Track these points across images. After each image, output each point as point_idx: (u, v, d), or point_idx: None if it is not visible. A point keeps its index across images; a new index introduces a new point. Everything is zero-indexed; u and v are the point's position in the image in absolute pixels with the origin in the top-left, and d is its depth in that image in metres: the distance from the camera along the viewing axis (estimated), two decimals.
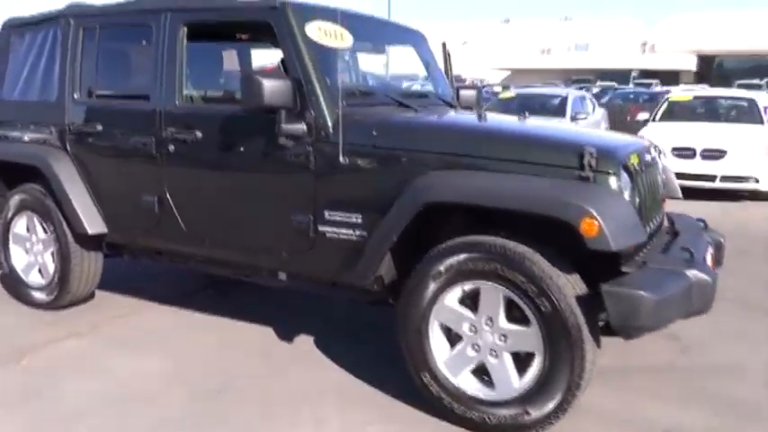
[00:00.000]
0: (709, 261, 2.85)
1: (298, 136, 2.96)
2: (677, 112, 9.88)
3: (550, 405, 2.47)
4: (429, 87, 3.99)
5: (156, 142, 3.40)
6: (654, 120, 9.90)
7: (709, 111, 9.79)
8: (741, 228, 6.34)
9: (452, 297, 2.65)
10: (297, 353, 3.48)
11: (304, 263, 3.12)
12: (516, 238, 2.52)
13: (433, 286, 2.64)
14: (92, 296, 4.14)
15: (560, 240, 2.48)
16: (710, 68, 43.24)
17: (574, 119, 9.82)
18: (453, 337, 2.72)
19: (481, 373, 2.67)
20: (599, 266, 2.50)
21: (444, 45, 4.29)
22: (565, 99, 10.55)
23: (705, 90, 13.33)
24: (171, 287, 4.53)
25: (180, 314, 4.04)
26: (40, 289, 4.03)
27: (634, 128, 10.00)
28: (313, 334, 3.70)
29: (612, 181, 2.54)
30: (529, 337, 2.50)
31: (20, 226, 4.10)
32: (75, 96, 3.75)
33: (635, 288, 2.30)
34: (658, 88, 25.46)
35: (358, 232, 2.92)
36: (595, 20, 51.19)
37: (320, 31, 3.08)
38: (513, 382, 2.56)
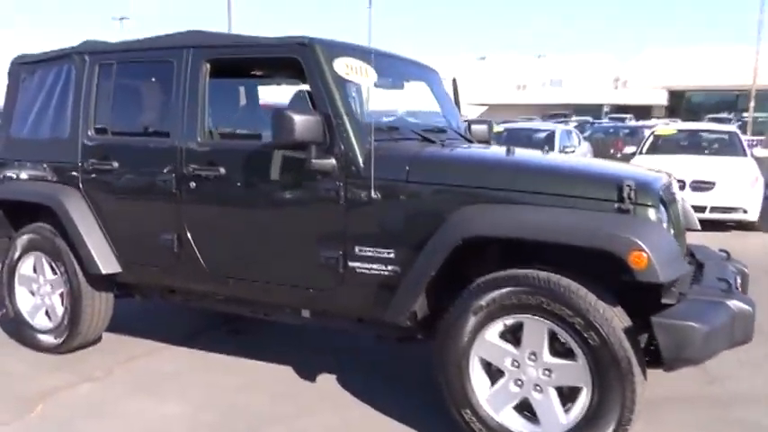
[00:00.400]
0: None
1: (327, 171, 2.95)
2: (662, 146, 10.08)
3: None
4: (442, 122, 4.01)
5: (176, 179, 3.35)
6: (641, 153, 10.08)
7: (693, 144, 10.00)
8: (743, 257, 6.40)
9: (494, 331, 2.62)
10: (322, 392, 3.39)
11: (333, 299, 3.06)
12: (553, 272, 2.51)
13: (473, 321, 2.61)
14: (99, 339, 4.02)
15: (596, 273, 2.48)
16: (680, 103, 44.33)
17: (562, 152, 9.97)
18: (494, 373, 2.68)
19: (523, 408, 2.63)
20: (635, 298, 2.49)
21: (454, 81, 4.33)
22: (553, 133, 10.72)
23: (685, 124, 13.64)
24: (180, 327, 4.42)
25: (194, 355, 3.94)
26: (47, 332, 3.90)
27: (621, 161, 10.16)
28: (336, 371, 3.62)
29: (652, 213, 2.55)
30: (575, 371, 2.47)
31: (26, 267, 3.99)
32: (89, 134, 3.69)
33: (686, 320, 2.29)
34: (633, 122, 26.05)
35: (390, 267, 2.88)
36: (569, 56, 52.37)
37: (347, 68, 3.09)
38: (560, 417, 2.51)
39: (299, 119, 2.83)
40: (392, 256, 2.87)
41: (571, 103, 41.74)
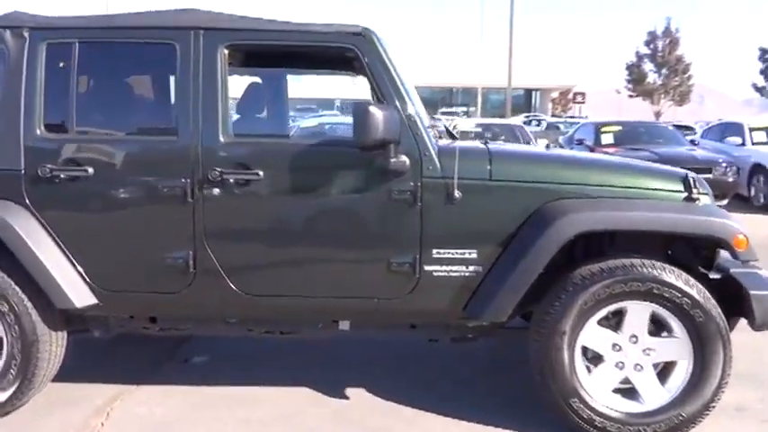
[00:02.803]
0: None
1: (402, 171, 2.77)
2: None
3: (699, 403, 2.72)
4: None
5: (191, 186, 2.81)
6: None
7: (493, 136, 11.10)
8: None
9: (596, 320, 2.75)
10: (335, 406, 3.17)
11: (402, 306, 2.89)
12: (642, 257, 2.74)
13: (581, 311, 2.71)
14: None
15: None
16: None
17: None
18: (590, 359, 2.81)
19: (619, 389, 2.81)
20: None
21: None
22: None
23: (482, 120, 15.13)
24: (128, 362, 3.69)
25: (173, 391, 3.33)
26: None
27: None
28: (370, 384, 3.39)
29: (708, 200, 2.92)
30: (678, 347, 2.73)
31: None
32: (37, 132, 2.87)
33: None
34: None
35: (472, 268, 2.83)
36: None
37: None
38: (662, 390, 2.75)
39: (384, 115, 2.62)
40: (474, 256, 2.82)
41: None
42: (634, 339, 2.76)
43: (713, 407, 2.73)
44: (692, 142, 11.34)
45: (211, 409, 3.12)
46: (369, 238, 2.85)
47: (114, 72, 3.06)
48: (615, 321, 2.78)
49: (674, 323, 2.71)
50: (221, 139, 2.82)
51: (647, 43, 39.96)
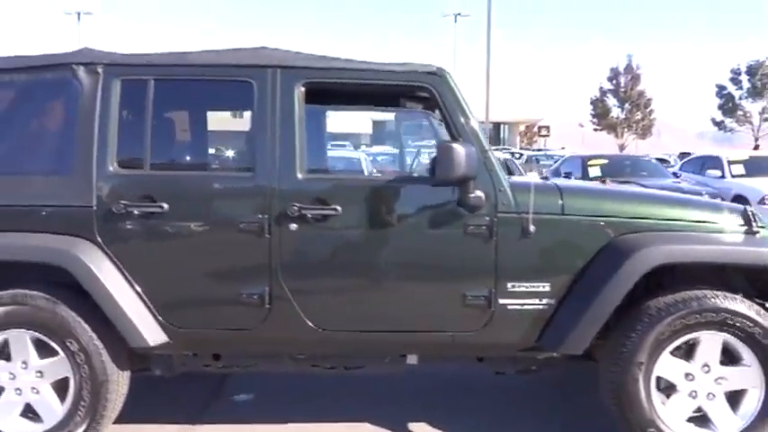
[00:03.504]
0: None
1: (478, 206, 2.83)
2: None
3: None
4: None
5: (269, 221, 2.82)
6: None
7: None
8: None
9: (669, 350, 2.82)
10: None
11: (476, 339, 2.92)
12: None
13: (655, 342, 2.78)
14: None
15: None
16: None
17: None
18: (663, 389, 2.88)
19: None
20: None
21: None
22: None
23: None
24: (189, 398, 3.62)
25: (245, 430, 3.28)
26: None
27: None
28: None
29: (766, 233, 3.05)
30: (749, 375, 2.81)
31: None
32: (110, 169, 2.85)
33: None
34: None
35: (545, 300, 2.89)
36: None
37: None
38: (735, 418, 2.83)
39: (466, 152, 2.69)
40: (547, 289, 2.88)
41: None
42: (706, 369, 2.84)
43: None
44: (675, 174, 11.72)
45: None
46: (445, 273, 2.89)
47: (189, 109, 3.08)
48: (686, 351, 2.86)
49: (745, 352, 2.80)
50: (298, 175, 2.84)
51: (610, 79, 41.38)
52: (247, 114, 2.89)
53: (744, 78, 34.59)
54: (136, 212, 2.83)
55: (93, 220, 2.84)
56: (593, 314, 2.79)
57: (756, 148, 29.47)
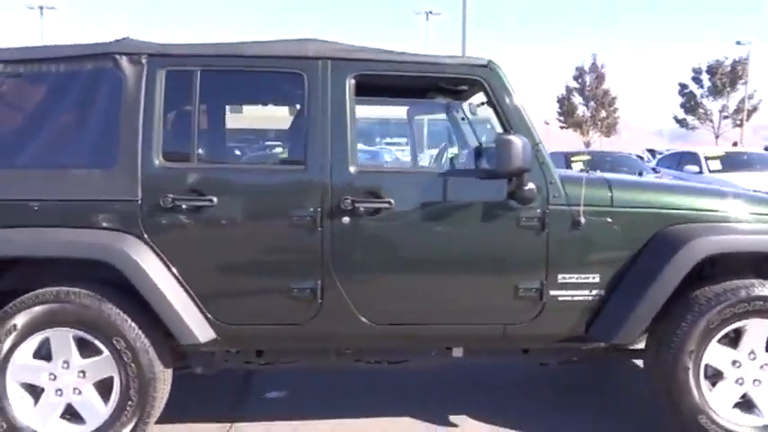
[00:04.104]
0: None
1: (531, 199, 2.84)
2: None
3: None
4: None
5: (321, 215, 2.78)
6: None
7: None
8: None
9: (717, 338, 2.88)
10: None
11: (526, 331, 2.93)
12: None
13: (705, 331, 2.83)
14: None
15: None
16: None
17: None
18: (710, 377, 2.93)
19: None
20: None
21: None
22: None
23: None
24: (219, 396, 3.55)
25: (284, 427, 3.23)
26: None
27: None
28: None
29: None
30: None
31: (25, 354, 2.77)
32: (156, 162, 2.77)
33: None
34: None
35: (595, 291, 2.92)
36: None
37: None
38: None
39: (522, 145, 2.70)
40: (597, 280, 2.91)
41: None
42: (753, 356, 2.90)
43: None
44: (654, 170, 11.98)
45: None
46: (498, 265, 2.89)
47: (236, 101, 3.01)
48: (732, 339, 2.92)
49: None
50: (351, 168, 2.81)
51: (576, 78, 42.07)
52: (297, 107, 2.83)
53: (705, 77, 35.59)
54: (184, 206, 2.76)
55: (138, 214, 2.76)
56: (645, 305, 2.83)
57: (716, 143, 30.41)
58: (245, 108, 3.07)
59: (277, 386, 3.77)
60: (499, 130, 2.97)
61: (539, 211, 2.86)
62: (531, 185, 2.82)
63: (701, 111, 35.88)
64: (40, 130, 2.82)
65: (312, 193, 2.78)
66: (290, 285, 2.81)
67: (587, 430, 3.22)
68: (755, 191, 3.48)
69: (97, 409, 2.80)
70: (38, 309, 2.73)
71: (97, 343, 2.76)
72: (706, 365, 2.89)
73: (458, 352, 3.11)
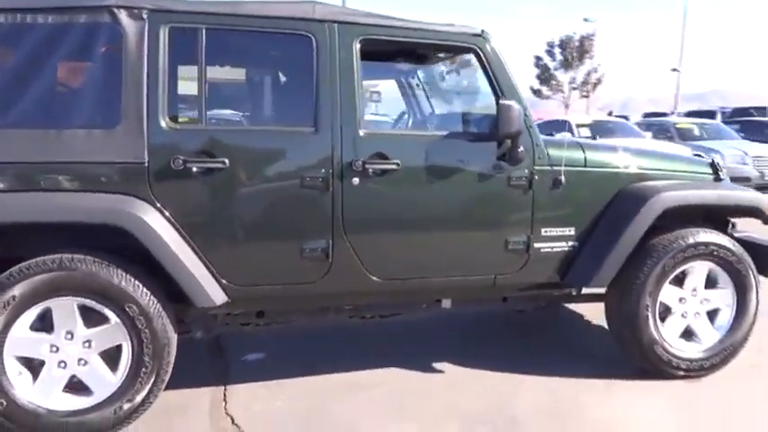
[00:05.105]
0: None
1: (521, 160, 3.11)
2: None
3: (740, 337, 3.43)
4: None
5: (332, 176, 2.86)
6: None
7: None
8: None
9: (670, 279, 3.34)
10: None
11: (513, 281, 3.23)
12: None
13: (661, 273, 3.27)
14: None
15: None
16: None
17: None
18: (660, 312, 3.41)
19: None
20: None
21: None
22: None
23: None
24: (199, 361, 3.51)
25: (279, 385, 3.29)
26: (92, 410, 2.69)
27: None
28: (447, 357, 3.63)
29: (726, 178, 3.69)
30: (725, 296, 3.43)
31: (22, 326, 2.62)
32: (162, 124, 2.69)
33: None
34: None
35: (570, 243, 3.27)
36: None
37: None
38: (714, 332, 3.44)
39: (521, 110, 2.94)
40: (572, 232, 3.27)
41: None
42: (694, 293, 3.41)
43: (748, 339, 3.48)
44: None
45: (324, 399, 3.16)
46: (492, 221, 3.14)
47: (243, 61, 2.95)
48: (679, 279, 3.40)
49: (723, 277, 3.41)
50: (360, 131, 2.90)
51: None
52: (305, 70, 2.85)
53: (557, 51, 38.20)
54: (194, 169, 2.71)
55: (145, 177, 2.67)
56: (616, 253, 3.22)
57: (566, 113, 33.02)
58: (252, 69, 3.03)
59: (252, 349, 3.80)
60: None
61: (526, 171, 3.13)
62: (521, 147, 3.08)
63: (554, 82, 38.56)
64: (31, 87, 2.61)
65: (323, 156, 2.84)
66: (301, 246, 2.88)
67: (560, 368, 3.59)
68: (696, 154, 4.01)
69: (106, 379, 2.71)
70: (39, 278, 2.57)
71: (106, 311, 2.67)
72: (660, 303, 3.36)
73: (446, 303, 3.34)
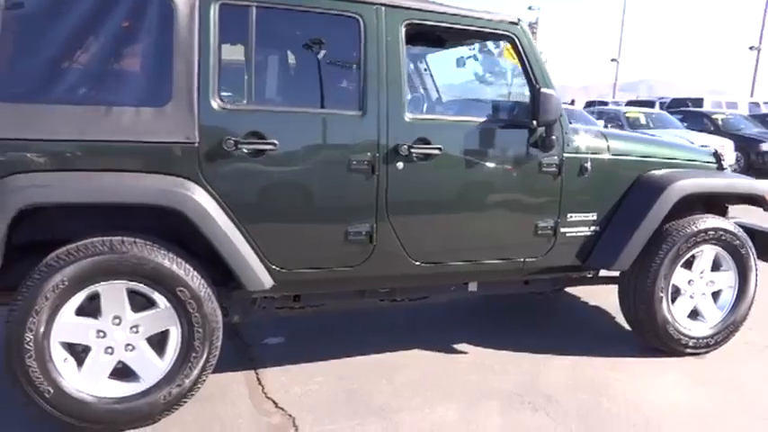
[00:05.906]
0: None
1: (552, 146, 3.21)
2: None
3: (741, 315, 3.67)
4: None
5: (379, 161, 2.88)
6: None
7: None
8: None
9: (681, 262, 3.53)
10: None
11: (541, 264, 3.34)
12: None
13: (674, 258, 3.46)
14: None
15: None
16: None
17: None
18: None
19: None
20: None
21: None
22: None
23: None
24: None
25: (311, 368, 3.30)
26: (136, 397, 2.63)
27: None
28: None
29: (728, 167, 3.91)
30: (728, 278, 3.66)
31: (69, 312, 2.53)
32: (213, 104, 2.63)
33: None
34: None
35: (592, 228, 3.41)
36: None
37: None
38: (717, 310, 3.66)
39: (559, 98, 3.04)
40: (594, 217, 3.40)
41: None
42: (702, 275, 3.62)
43: (747, 318, 3.72)
44: None
45: (358, 381, 3.19)
46: (524, 206, 3.23)
47: (294, 41, 2.90)
48: (688, 262, 3.60)
49: (727, 260, 3.63)
50: (406, 115, 2.92)
51: None
52: (353, 52, 2.84)
53: None
54: (245, 150, 2.67)
55: (196, 157, 2.62)
56: (637, 237, 3.37)
57: None
58: (300, 50, 2.98)
59: (270, 333, 3.78)
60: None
61: (556, 158, 3.24)
62: (555, 135, 3.18)
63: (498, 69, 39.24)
64: (77, 61, 2.51)
65: (370, 139, 2.85)
66: (347, 229, 2.89)
67: (577, 347, 3.74)
68: (703, 145, 4.22)
69: (154, 365, 2.66)
70: (89, 261, 2.49)
71: (155, 295, 2.61)
72: (672, 285, 3.56)
73: (473, 287, 3.43)
